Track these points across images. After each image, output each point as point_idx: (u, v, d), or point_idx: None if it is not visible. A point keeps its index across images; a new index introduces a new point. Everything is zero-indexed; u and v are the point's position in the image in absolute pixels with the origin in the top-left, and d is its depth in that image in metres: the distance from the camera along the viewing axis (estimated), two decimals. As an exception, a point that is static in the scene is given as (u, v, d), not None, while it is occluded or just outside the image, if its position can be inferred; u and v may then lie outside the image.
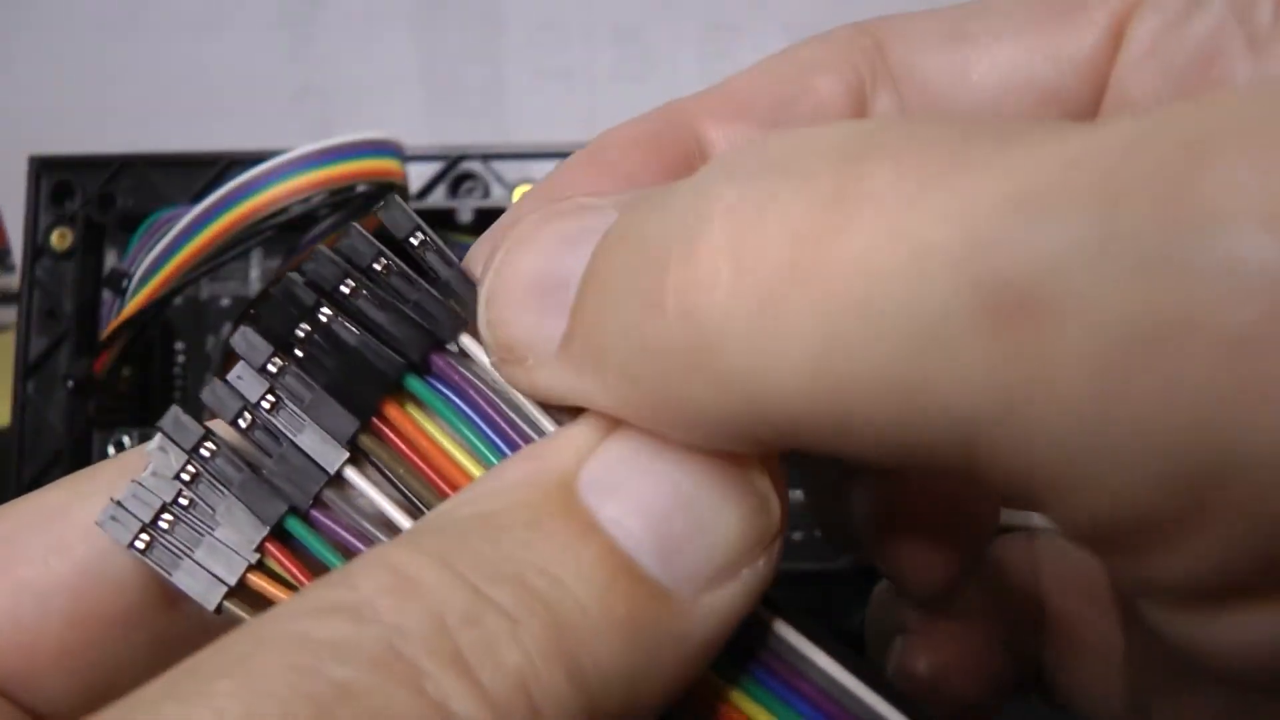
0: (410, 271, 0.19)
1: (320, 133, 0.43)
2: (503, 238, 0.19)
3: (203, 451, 0.19)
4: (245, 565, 0.18)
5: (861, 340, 0.14)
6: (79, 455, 0.46)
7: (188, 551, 0.18)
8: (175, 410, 0.19)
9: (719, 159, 0.16)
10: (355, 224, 0.19)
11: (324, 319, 0.18)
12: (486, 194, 0.48)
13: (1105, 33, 0.20)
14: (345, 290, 0.18)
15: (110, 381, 0.46)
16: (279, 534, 0.19)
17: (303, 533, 0.19)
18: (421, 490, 0.18)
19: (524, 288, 0.18)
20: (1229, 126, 0.12)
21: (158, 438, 0.19)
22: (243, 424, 0.18)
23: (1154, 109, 0.13)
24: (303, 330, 0.18)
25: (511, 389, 0.19)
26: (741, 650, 0.18)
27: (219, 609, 0.19)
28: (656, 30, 0.56)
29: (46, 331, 0.46)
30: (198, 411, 0.19)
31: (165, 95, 0.56)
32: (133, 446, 0.46)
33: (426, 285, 0.19)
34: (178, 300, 0.48)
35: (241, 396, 0.18)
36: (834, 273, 0.14)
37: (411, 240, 0.19)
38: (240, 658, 0.14)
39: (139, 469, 0.19)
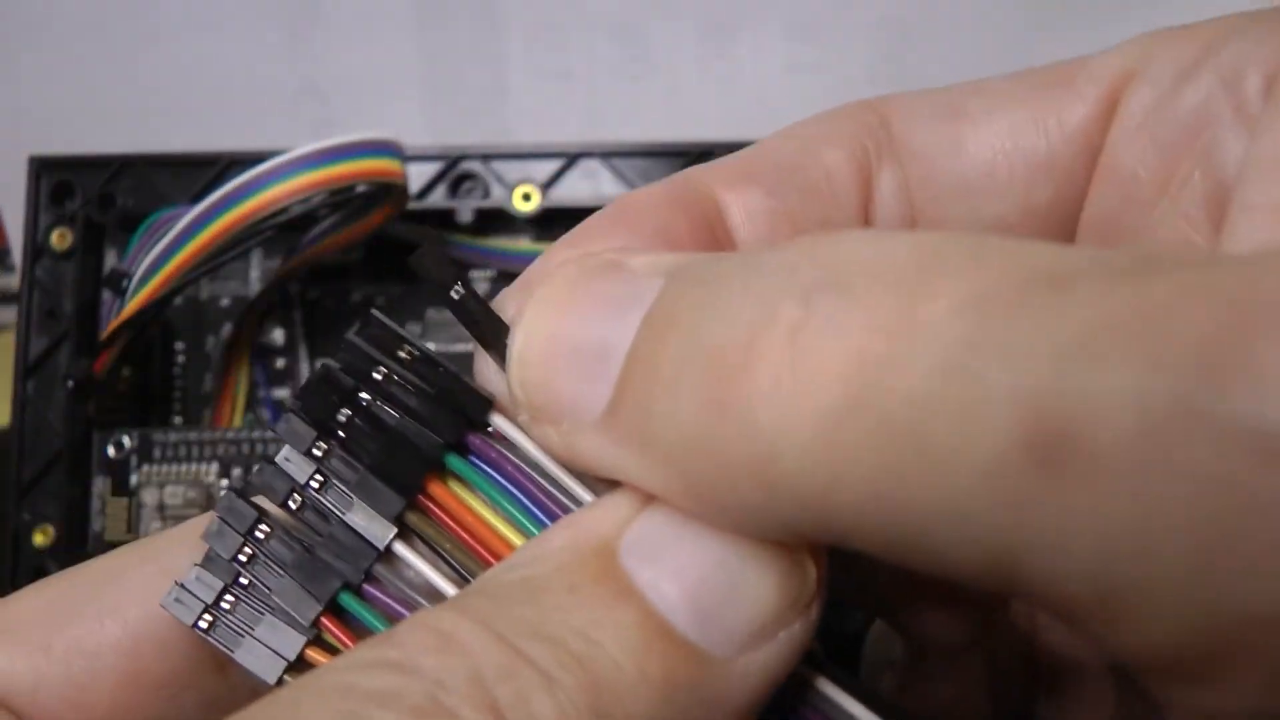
0: (433, 355, 0.20)
1: (320, 133, 0.43)
2: (534, 288, 0.19)
3: (257, 534, 0.20)
4: (303, 641, 0.19)
5: (914, 470, 0.14)
6: (79, 455, 0.46)
7: (249, 630, 0.19)
8: (230, 495, 0.20)
9: (778, 256, 0.17)
10: (375, 312, 0.20)
11: (364, 403, 0.19)
12: (486, 194, 0.48)
13: (1097, 105, 0.21)
14: (379, 376, 0.19)
15: (110, 381, 0.46)
16: (333, 609, 0.19)
17: (356, 607, 0.19)
18: (467, 561, 0.19)
19: (562, 351, 0.18)
20: (1272, 299, 0.13)
21: (215, 522, 0.20)
22: (293, 505, 0.20)
23: (1200, 263, 0.14)
24: (344, 415, 0.19)
25: (547, 462, 0.19)
26: (783, 706, 0.18)
27: (279, 683, 0.19)
28: (656, 30, 0.56)
29: (46, 331, 0.46)
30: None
31: (165, 95, 0.56)
32: (132, 446, 0.46)
33: (449, 367, 0.20)
34: (178, 300, 0.48)
35: (290, 479, 0.19)
36: (890, 403, 0.14)
37: (453, 294, 0.20)
38: (288, 704, 0.15)
39: (191, 539, 0.20)
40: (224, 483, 0.46)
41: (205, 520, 0.20)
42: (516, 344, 0.18)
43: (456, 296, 0.19)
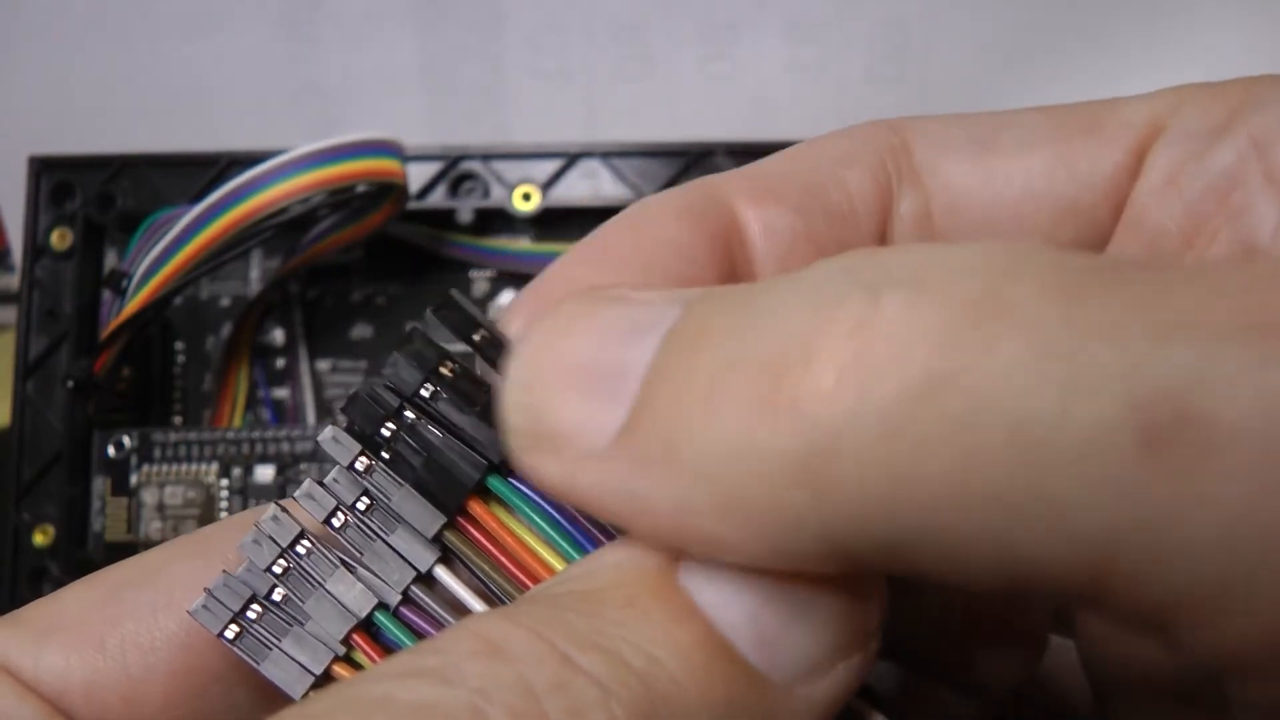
0: (476, 374, 0.20)
1: (320, 133, 0.43)
2: (541, 307, 0.18)
3: (298, 549, 0.19)
4: (332, 656, 0.19)
5: (1002, 458, 0.13)
6: (79, 455, 0.46)
7: (276, 642, 0.19)
8: (274, 508, 0.19)
9: (832, 267, 0.16)
10: (417, 326, 0.20)
11: (409, 421, 0.19)
12: (486, 194, 0.48)
13: (1126, 155, 0.21)
14: (425, 394, 0.19)
15: (110, 381, 0.46)
16: (366, 626, 0.19)
17: (390, 626, 0.19)
18: (506, 586, 0.19)
19: (569, 373, 0.17)
20: None
21: (252, 530, 0.19)
22: (336, 523, 0.19)
23: None
24: (388, 430, 0.19)
25: None
26: None
27: (304, 699, 0.19)
28: (656, 30, 0.56)
29: (46, 331, 0.46)
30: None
31: (165, 95, 0.56)
32: (132, 446, 0.46)
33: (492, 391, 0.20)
34: (178, 300, 0.48)
35: (336, 498, 0.19)
36: (977, 387, 0.14)
37: (473, 338, 0.20)
38: (319, 716, 0.14)
39: (236, 534, 0.20)
40: (224, 483, 0.46)
41: (248, 516, 0.20)
42: (517, 369, 0.17)
43: (477, 338, 0.19)
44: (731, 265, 0.21)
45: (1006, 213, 0.21)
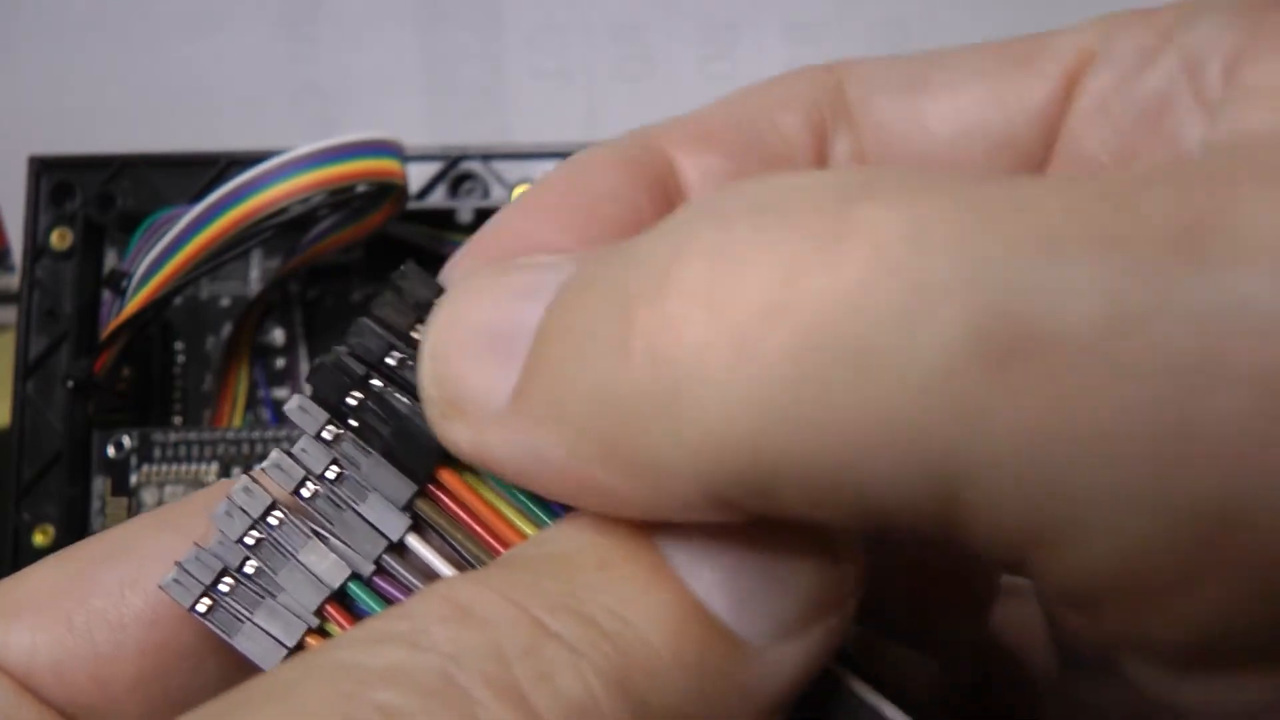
0: None
1: (320, 133, 0.43)
2: (480, 262, 0.18)
3: (270, 520, 0.19)
4: (305, 628, 0.19)
5: (846, 381, 0.13)
6: (79, 455, 0.46)
7: (248, 615, 0.19)
8: (246, 479, 0.19)
9: (694, 203, 0.16)
10: (389, 292, 0.19)
11: (375, 389, 0.19)
12: (486, 194, 0.48)
13: (1057, 84, 0.21)
14: (392, 362, 0.19)
15: (110, 381, 0.46)
16: (339, 597, 0.19)
17: (363, 596, 0.19)
18: (479, 554, 0.19)
19: (472, 340, 0.17)
20: (1245, 170, 0.12)
21: (224, 503, 0.19)
22: (305, 494, 0.19)
23: (1161, 162, 0.13)
24: (355, 399, 0.19)
25: None
26: (812, 702, 0.18)
27: None
28: (656, 30, 0.56)
29: (46, 331, 0.46)
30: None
31: (165, 95, 0.56)
32: (132, 446, 0.46)
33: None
34: (178, 300, 0.48)
35: (305, 467, 0.19)
36: (819, 309, 0.13)
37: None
38: (288, 685, 0.14)
39: (205, 507, 0.20)
40: (224, 483, 0.46)
41: (217, 489, 0.20)
42: (427, 339, 0.18)
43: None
44: (670, 209, 0.21)
45: (940, 151, 0.21)
